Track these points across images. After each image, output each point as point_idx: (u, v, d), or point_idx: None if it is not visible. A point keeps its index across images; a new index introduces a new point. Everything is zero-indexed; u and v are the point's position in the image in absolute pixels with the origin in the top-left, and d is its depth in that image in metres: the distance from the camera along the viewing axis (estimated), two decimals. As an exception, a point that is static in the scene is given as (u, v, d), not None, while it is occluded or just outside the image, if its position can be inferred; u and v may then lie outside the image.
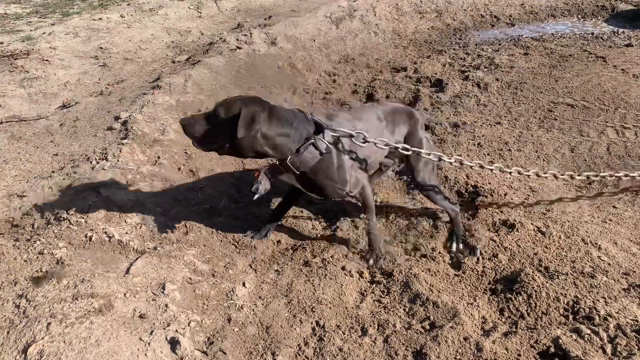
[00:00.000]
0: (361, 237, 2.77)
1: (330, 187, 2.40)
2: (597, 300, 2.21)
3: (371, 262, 2.59)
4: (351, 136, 2.36)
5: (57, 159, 3.38)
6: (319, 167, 2.33)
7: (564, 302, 2.22)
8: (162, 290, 2.19)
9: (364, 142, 2.38)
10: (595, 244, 2.63)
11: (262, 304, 2.30)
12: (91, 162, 3.16)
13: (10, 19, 6.22)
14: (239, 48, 5.05)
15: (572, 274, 2.38)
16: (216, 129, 2.21)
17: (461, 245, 2.70)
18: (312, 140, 2.28)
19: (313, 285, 2.41)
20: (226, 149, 2.27)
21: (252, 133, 2.16)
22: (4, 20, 6.13)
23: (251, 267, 2.56)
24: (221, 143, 2.24)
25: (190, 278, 2.34)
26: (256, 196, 2.34)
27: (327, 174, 2.36)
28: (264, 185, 2.37)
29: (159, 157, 3.27)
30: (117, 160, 3.13)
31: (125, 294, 2.13)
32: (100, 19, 6.07)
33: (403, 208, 3.02)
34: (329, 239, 2.77)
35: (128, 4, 6.68)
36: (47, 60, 4.90)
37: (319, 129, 2.35)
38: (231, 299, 2.29)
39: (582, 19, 7.11)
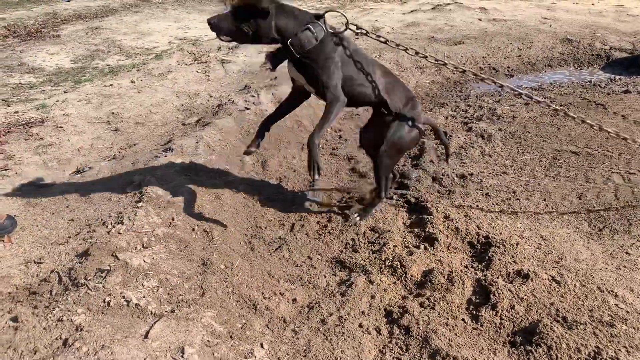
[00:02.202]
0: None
1: (315, 74, 2.86)
2: (619, 350, 2.20)
3: (309, 175, 2.89)
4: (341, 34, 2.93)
5: (73, 224, 3.43)
6: (311, 52, 2.81)
7: (585, 353, 2.21)
8: (181, 354, 2.19)
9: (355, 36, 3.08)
10: (612, 291, 2.63)
11: (281, 365, 2.29)
12: (107, 227, 3.21)
13: (25, 88, 6.44)
14: (247, 109, 5.19)
15: (590, 324, 2.37)
16: (239, 24, 2.72)
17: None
18: (309, 25, 2.78)
19: (331, 344, 2.41)
20: (247, 38, 2.78)
21: (269, 22, 2.71)
22: (19, 90, 6.34)
23: (268, 327, 2.56)
24: (244, 34, 2.75)
25: (208, 340, 2.34)
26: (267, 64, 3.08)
27: (316, 60, 2.83)
28: (268, 63, 3.04)
29: (173, 219, 3.32)
30: (133, 224, 3.18)
31: (145, 359, 2.13)
32: (111, 85, 6.27)
33: (416, 261, 3.03)
34: (344, 295, 2.77)
35: (138, 70, 6.92)
36: (60, 127, 5.04)
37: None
38: (250, 361, 2.28)
39: (578, 68, 7.30)
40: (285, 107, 3.32)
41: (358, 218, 3.46)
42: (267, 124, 3.28)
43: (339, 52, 2.91)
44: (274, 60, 3.01)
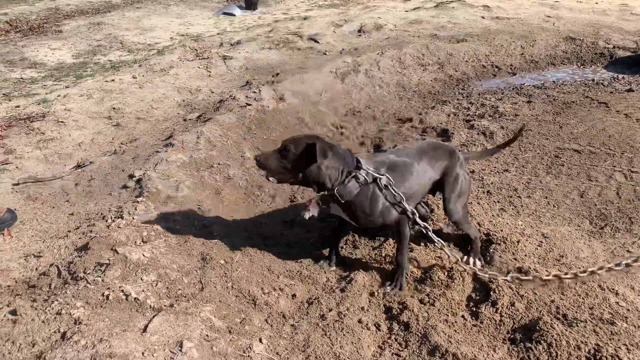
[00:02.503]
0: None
1: (362, 217, 2.73)
2: (619, 347, 2.18)
3: (389, 289, 2.78)
4: (375, 179, 2.68)
5: (73, 218, 3.43)
6: (357, 197, 2.66)
7: (585, 351, 2.20)
8: (179, 348, 2.19)
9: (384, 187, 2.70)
10: (613, 289, 2.62)
11: (280, 360, 2.28)
12: (107, 221, 3.21)
13: (26, 83, 6.44)
14: (249, 105, 5.18)
15: (591, 321, 2.36)
16: (287, 162, 2.62)
17: (478, 261, 2.96)
18: (355, 174, 2.63)
19: (330, 340, 2.40)
20: (295, 179, 2.68)
21: (320, 164, 2.58)
22: (21, 85, 6.34)
23: (267, 322, 2.55)
24: (292, 174, 2.65)
25: (207, 335, 2.33)
26: (307, 216, 2.96)
27: (362, 204, 2.68)
28: (312, 211, 2.94)
29: (173, 214, 3.31)
30: (133, 218, 3.18)
31: (143, 353, 2.12)
32: (112, 80, 6.27)
33: (417, 258, 3.02)
34: (343, 291, 2.76)
35: (140, 66, 6.91)
36: (62, 121, 5.04)
37: (359, 165, 2.70)
38: (248, 356, 2.27)
39: (581, 67, 7.27)
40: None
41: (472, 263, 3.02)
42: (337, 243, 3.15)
43: (378, 184, 2.71)
44: (320, 207, 2.94)
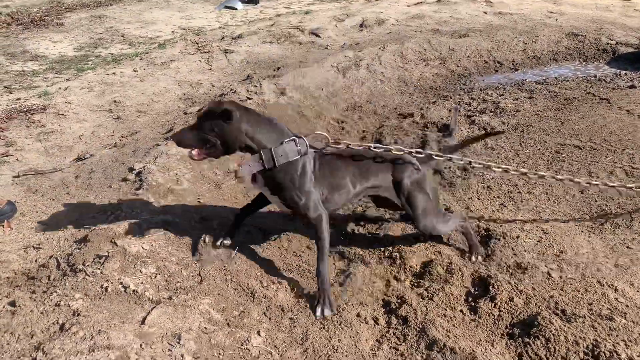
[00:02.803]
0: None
1: (288, 192, 2.61)
2: (617, 343, 2.18)
3: (318, 312, 2.53)
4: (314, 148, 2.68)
5: (73, 210, 3.43)
6: (289, 166, 2.57)
7: (583, 346, 2.19)
8: (177, 340, 2.19)
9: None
10: (612, 285, 2.61)
11: (278, 353, 2.29)
12: (106, 214, 3.21)
13: (27, 75, 6.44)
14: (249, 98, 5.17)
15: (589, 317, 2.36)
16: (204, 133, 2.51)
17: (480, 256, 2.93)
18: (294, 138, 2.58)
19: (328, 333, 2.40)
20: (217, 149, 2.56)
21: (235, 125, 2.48)
22: (22, 77, 6.34)
23: (265, 315, 2.55)
24: (211, 144, 2.53)
25: (205, 327, 2.33)
26: (242, 174, 2.71)
27: (292, 175, 2.58)
28: (244, 169, 2.66)
29: (172, 207, 3.31)
30: (132, 211, 3.18)
31: (141, 345, 2.12)
32: (114, 73, 6.26)
33: (415, 253, 3.01)
34: (342, 285, 2.76)
35: (141, 59, 6.89)
36: (62, 114, 5.03)
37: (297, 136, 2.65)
38: (246, 348, 2.28)
39: (584, 63, 7.24)
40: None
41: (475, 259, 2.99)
42: (243, 216, 3.04)
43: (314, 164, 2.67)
44: (250, 169, 2.67)
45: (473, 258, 2.93)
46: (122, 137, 4.69)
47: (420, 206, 2.81)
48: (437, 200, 3.00)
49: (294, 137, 2.60)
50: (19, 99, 5.42)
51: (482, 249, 3.00)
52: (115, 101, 5.46)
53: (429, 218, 2.84)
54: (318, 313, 2.53)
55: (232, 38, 7.91)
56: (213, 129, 2.50)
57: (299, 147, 2.58)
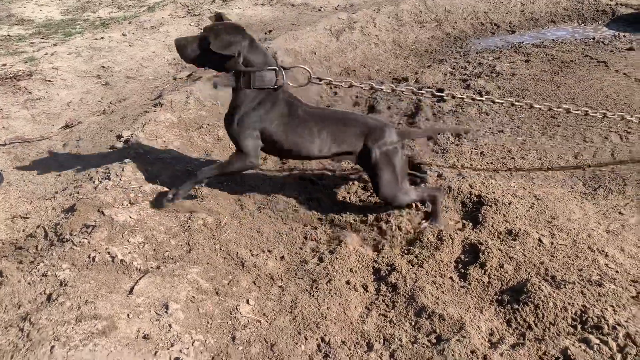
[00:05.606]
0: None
1: (235, 116, 2.82)
2: (606, 309, 2.18)
3: (170, 195, 2.84)
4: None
5: (60, 179, 3.39)
6: (265, 95, 2.76)
7: (571, 312, 2.19)
8: (165, 310, 2.18)
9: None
10: (602, 251, 2.60)
11: (267, 321, 2.28)
12: (94, 182, 3.17)
13: (13, 40, 6.29)
14: (240, 63, 5.06)
15: (579, 283, 2.35)
16: (205, 50, 2.62)
17: (434, 226, 2.88)
18: (277, 68, 2.74)
19: (317, 301, 2.40)
20: (213, 64, 2.76)
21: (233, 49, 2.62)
22: (7, 42, 6.19)
23: (255, 284, 2.54)
24: (208, 59, 2.69)
25: (193, 297, 2.33)
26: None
27: (248, 105, 2.78)
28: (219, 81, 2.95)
29: (161, 175, 3.27)
30: (120, 180, 3.13)
31: (128, 315, 2.12)
32: (102, 38, 6.12)
33: (406, 220, 2.99)
34: (332, 253, 2.75)
35: (129, 23, 6.73)
36: (49, 80, 4.93)
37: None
38: (235, 317, 2.27)
39: (582, 24, 7.11)
40: None
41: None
42: None
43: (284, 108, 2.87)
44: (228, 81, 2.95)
45: (424, 223, 2.93)
46: (111, 103, 4.61)
47: (383, 177, 2.87)
48: (404, 172, 2.98)
49: (277, 69, 2.75)
50: (4, 64, 5.30)
51: (441, 222, 2.92)
52: (103, 67, 5.35)
53: (389, 188, 2.88)
54: (170, 196, 2.85)
55: (223, 0, 7.71)
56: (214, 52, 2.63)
57: (275, 79, 2.74)
